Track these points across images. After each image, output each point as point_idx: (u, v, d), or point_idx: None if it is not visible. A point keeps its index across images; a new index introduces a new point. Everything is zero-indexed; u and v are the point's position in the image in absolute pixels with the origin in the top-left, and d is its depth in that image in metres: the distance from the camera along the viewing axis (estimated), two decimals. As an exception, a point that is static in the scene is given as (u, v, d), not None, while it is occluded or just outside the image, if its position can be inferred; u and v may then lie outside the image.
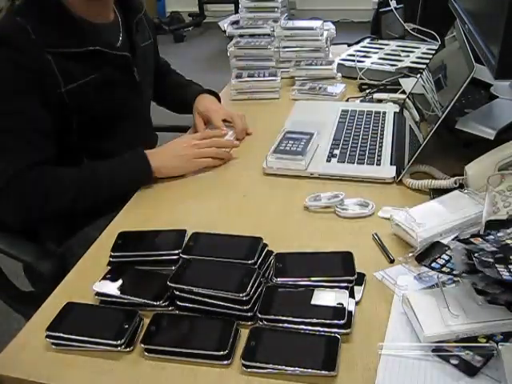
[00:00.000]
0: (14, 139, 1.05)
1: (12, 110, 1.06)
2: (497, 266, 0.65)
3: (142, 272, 0.86)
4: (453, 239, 0.83)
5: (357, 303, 0.77)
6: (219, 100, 1.45)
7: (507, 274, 0.64)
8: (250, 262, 0.81)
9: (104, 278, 0.83)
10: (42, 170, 1.06)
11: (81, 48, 1.11)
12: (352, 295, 0.77)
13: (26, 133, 1.06)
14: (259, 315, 0.74)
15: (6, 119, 1.05)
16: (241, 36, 1.64)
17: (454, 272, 0.72)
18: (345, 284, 0.77)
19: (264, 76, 1.56)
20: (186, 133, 1.38)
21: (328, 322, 0.71)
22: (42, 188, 1.05)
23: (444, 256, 0.76)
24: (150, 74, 1.38)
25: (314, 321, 0.72)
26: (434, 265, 0.75)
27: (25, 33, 1.05)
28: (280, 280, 0.79)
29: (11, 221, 1.07)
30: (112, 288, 0.81)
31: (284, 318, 0.73)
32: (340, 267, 0.80)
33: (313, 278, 0.78)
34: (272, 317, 0.73)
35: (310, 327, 0.72)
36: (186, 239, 0.89)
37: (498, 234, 0.71)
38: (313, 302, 0.75)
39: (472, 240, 0.72)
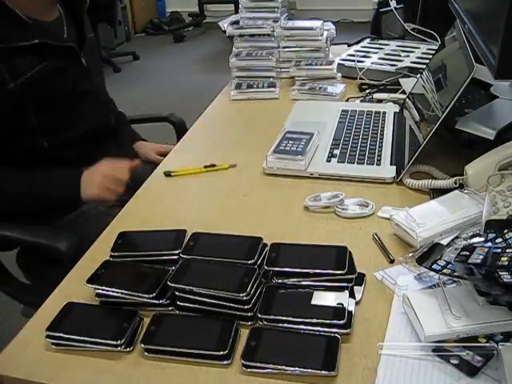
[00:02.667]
0: None
1: None
2: (498, 270, 0.65)
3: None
4: (453, 240, 0.83)
5: (357, 303, 0.77)
6: None
7: (508, 276, 0.64)
8: (249, 262, 0.81)
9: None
10: None
11: (28, 41, 1.15)
12: (352, 295, 0.77)
13: None
14: (259, 315, 0.74)
15: None
16: (241, 36, 1.64)
17: (456, 274, 0.72)
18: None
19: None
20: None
21: (328, 321, 0.71)
22: None
23: (444, 257, 0.76)
24: (98, 62, 1.49)
25: (314, 321, 0.72)
26: (434, 266, 0.75)
27: None
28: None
29: None
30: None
31: (284, 318, 0.73)
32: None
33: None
34: (272, 317, 0.73)
35: (309, 327, 0.72)
36: (186, 239, 0.89)
37: (497, 240, 0.71)
38: (313, 301, 0.75)
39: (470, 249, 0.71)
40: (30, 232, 1.15)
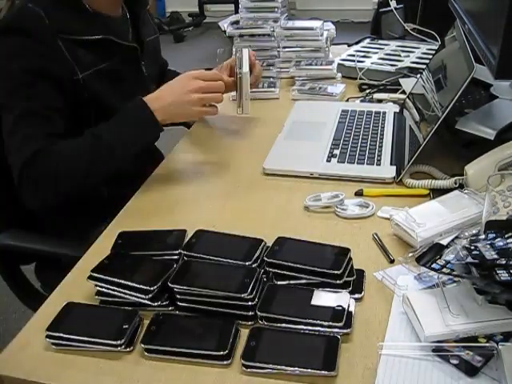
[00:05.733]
0: (28, 126, 1.05)
1: (26, 95, 1.06)
2: (496, 269, 0.65)
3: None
4: (453, 240, 0.83)
5: (357, 303, 0.77)
6: None
7: (505, 275, 0.64)
8: (250, 262, 0.81)
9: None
10: (49, 152, 1.05)
11: (93, 36, 1.13)
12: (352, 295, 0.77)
13: (38, 119, 1.06)
14: (259, 313, 0.74)
15: (21, 104, 1.06)
16: (241, 36, 1.64)
17: (454, 273, 0.72)
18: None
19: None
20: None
21: (327, 323, 0.71)
22: (51, 171, 1.04)
23: (444, 257, 0.76)
24: (155, 69, 1.39)
25: (314, 321, 0.72)
26: (434, 266, 0.75)
27: (38, 19, 1.07)
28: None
29: (31, 206, 1.09)
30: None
31: (284, 318, 0.73)
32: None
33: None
34: (272, 315, 0.73)
35: (309, 327, 0.72)
36: (187, 239, 0.89)
37: (499, 244, 0.71)
38: (313, 302, 0.75)
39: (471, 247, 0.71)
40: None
